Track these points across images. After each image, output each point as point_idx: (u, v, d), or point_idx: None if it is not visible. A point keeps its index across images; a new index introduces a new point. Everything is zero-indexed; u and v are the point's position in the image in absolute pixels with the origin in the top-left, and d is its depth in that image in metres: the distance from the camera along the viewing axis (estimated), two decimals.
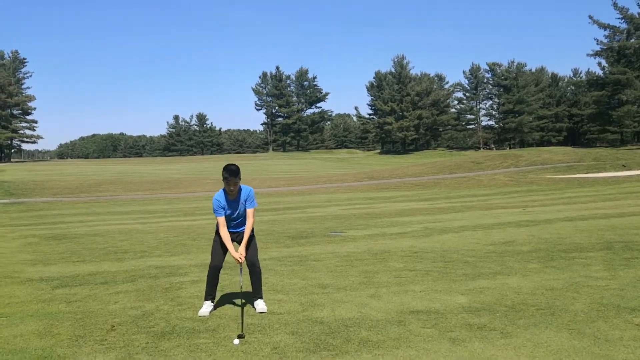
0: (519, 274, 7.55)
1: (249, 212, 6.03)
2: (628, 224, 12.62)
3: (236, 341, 4.91)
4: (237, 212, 6.04)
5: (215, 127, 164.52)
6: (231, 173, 5.83)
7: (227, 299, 6.61)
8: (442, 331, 5.07)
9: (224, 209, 5.96)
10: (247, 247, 6.04)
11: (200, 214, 22.40)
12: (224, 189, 5.99)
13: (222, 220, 5.98)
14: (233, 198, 5.98)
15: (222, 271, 8.16)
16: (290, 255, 9.85)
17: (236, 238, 6.15)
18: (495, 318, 5.44)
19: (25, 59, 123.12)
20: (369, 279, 7.51)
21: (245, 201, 6.02)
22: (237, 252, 5.93)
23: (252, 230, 6.09)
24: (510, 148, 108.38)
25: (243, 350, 4.71)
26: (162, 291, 7.16)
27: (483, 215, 17.16)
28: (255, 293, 6.11)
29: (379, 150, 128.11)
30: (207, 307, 5.99)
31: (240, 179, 5.93)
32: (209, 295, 6.04)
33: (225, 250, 6.05)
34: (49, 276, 8.51)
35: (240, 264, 5.92)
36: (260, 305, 6.03)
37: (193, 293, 6.96)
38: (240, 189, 6.00)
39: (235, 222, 6.13)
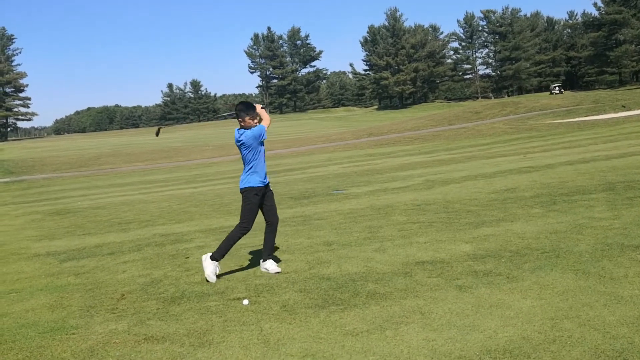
0: (523, 219, 7.58)
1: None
2: (629, 164, 12.60)
3: (245, 301, 4.96)
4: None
5: (210, 93, 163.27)
6: (248, 107, 5.75)
7: (234, 260, 6.65)
8: (448, 279, 5.11)
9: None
10: (270, 202, 5.94)
11: (201, 181, 22.41)
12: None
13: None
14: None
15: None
16: (294, 216, 9.88)
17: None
18: (501, 264, 5.48)
19: (14, 35, 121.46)
20: (373, 234, 7.54)
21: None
22: None
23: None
24: (508, 96, 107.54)
25: (253, 310, 4.76)
26: (169, 258, 7.21)
27: (484, 164, 17.14)
28: (270, 252, 6.01)
29: (376, 107, 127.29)
30: (214, 270, 5.76)
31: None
32: (221, 256, 5.85)
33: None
34: (55, 250, 8.56)
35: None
36: (273, 266, 5.93)
37: (200, 258, 6.98)
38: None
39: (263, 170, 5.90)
